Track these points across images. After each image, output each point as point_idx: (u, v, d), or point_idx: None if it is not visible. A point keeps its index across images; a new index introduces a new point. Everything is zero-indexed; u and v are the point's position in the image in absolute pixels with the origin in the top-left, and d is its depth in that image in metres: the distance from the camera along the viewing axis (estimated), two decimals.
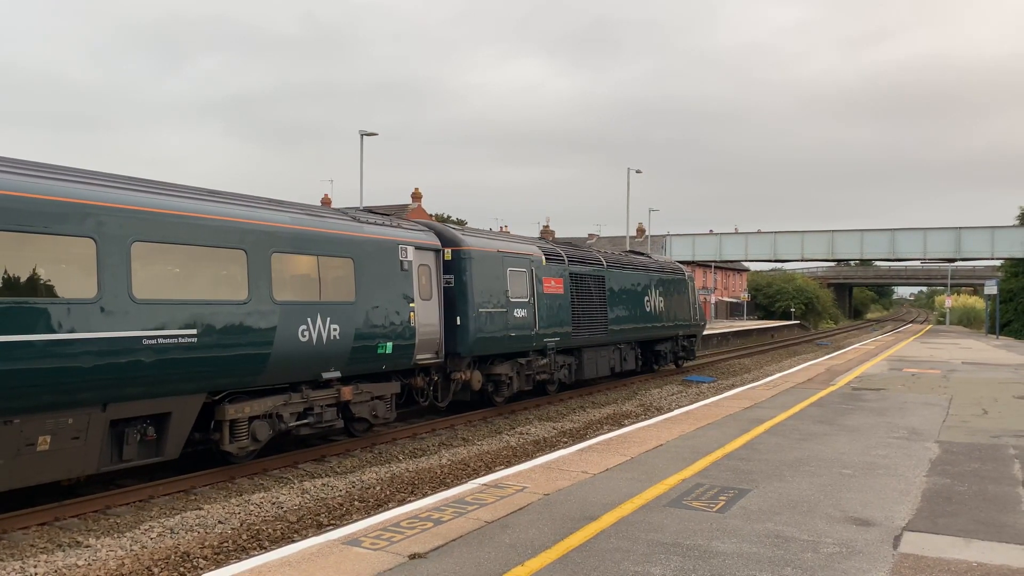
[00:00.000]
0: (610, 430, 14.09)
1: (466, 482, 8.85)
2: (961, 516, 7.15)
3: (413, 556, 5.97)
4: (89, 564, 7.51)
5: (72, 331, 8.26)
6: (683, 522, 6.88)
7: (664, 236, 56.90)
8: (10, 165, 8.31)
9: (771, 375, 22.63)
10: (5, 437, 7.84)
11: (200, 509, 9.37)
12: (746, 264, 76.89)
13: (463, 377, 15.14)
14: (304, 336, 11.15)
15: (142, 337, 8.97)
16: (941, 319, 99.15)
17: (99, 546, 8.01)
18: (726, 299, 76.70)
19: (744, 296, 73.80)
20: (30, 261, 8.04)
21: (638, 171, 52.74)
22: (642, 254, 27.27)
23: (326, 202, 50.77)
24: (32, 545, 7.99)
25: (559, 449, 11.36)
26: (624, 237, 54.56)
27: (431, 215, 55.35)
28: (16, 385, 7.77)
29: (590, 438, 12.51)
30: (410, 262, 13.58)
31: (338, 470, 11.56)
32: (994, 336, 50.48)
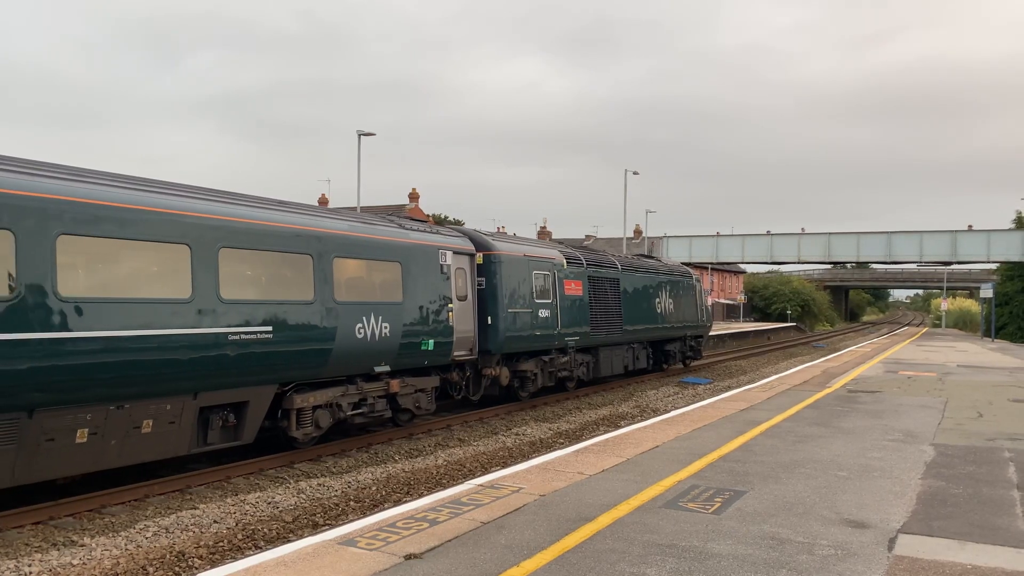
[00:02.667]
0: (606, 431, 14.09)
1: (462, 483, 8.85)
2: (956, 519, 7.17)
3: (409, 556, 5.97)
4: (84, 563, 7.50)
5: (173, 328, 9.35)
6: (679, 523, 6.88)
7: (661, 238, 56.93)
8: (114, 180, 9.32)
9: (767, 377, 22.66)
10: (118, 420, 8.98)
11: (196, 508, 9.35)
12: (743, 266, 77.01)
13: (493, 373, 16.26)
14: (360, 333, 12.24)
15: (228, 333, 10.05)
16: (937, 322, 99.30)
17: (94, 545, 7.99)
18: (723, 301, 76.76)
19: (741, 298, 73.88)
20: (142, 265, 9.22)
21: (635, 172, 52.80)
22: (652, 257, 28.28)
23: (323, 202, 50.72)
24: (27, 544, 7.97)
25: (555, 450, 11.36)
26: (621, 238, 54.58)
27: (428, 215, 55.34)
28: (131, 374, 8.92)
29: (586, 439, 12.52)
30: (449, 266, 14.69)
31: (334, 470, 11.56)
32: (990, 339, 50.62)
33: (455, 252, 15.05)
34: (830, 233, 52.40)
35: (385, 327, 12.78)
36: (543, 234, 65.89)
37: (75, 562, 7.51)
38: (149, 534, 8.41)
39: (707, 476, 8.70)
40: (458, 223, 65.37)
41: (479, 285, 15.91)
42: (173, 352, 9.32)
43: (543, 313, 17.67)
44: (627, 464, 9.33)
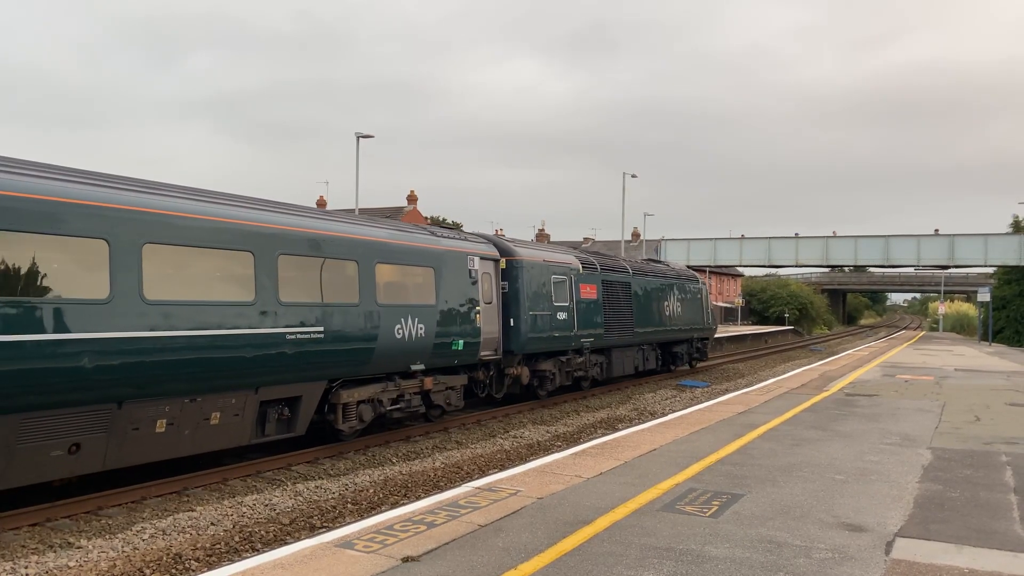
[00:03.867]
0: (604, 434, 14.08)
1: (459, 485, 8.85)
2: (953, 522, 7.17)
3: (406, 559, 5.96)
4: (80, 565, 7.48)
5: (239, 328, 10.20)
6: (676, 527, 6.88)
7: (659, 240, 56.97)
8: (186, 193, 10.14)
9: (765, 380, 22.67)
10: (191, 412, 9.82)
11: (192, 510, 9.34)
12: (740, 269, 77.03)
13: (515, 372, 17.15)
14: (399, 334, 13.13)
15: (286, 333, 10.89)
16: (934, 326, 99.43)
17: (90, 547, 7.98)
18: (720, 304, 76.74)
19: (738, 301, 73.88)
20: (213, 270, 10.06)
21: (634, 175, 52.91)
22: (660, 262, 29.05)
23: (321, 204, 50.69)
24: (23, 546, 7.96)
25: (553, 453, 11.36)
26: (619, 241, 54.60)
27: (426, 217, 55.35)
28: (204, 370, 9.73)
29: (584, 442, 12.52)
30: (476, 270, 15.58)
31: (331, 472, 11.55)
32: (987, 343, 50.66)
33: (482, 258, 15.96)
34: (828, 237, 52.46)
35: (420, 328, 13.65)
36: (541, 236, 65.92)
37: (72, 564, 7.50)
38: (146, 536, 8.39)
39: (705, 479, 8.71)
40: (456, 225, 65.33)
41: (503, 289, 16.72)
42: (239, 350, 10.20)
43: (561, 315, 18.45)
44: (625, 467, 9.33)
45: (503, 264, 16.83)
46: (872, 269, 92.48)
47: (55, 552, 7.82)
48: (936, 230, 50.61)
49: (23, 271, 8.05)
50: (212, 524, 8.90)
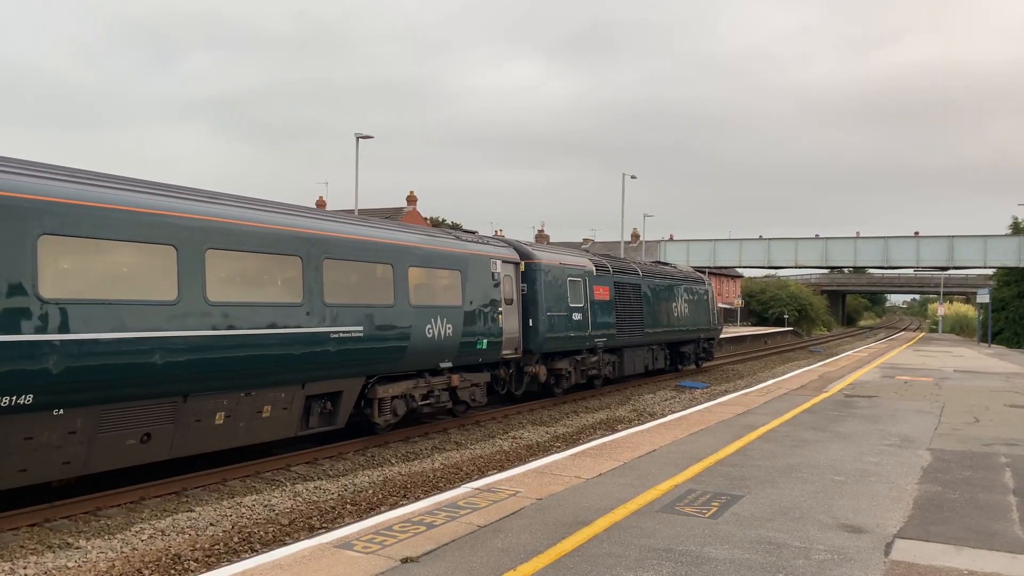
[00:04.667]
0: (603, 435, 14.08)
1: (459, 486, 8.84)
2: (952, 524, 7.17)
3: (405, 560, 5.96)
4: (79, 566, 7.47)
5: (289, 327, 10.92)
6: (675, 528, 6.88)
7: (658, 242, 57.00)
8: (240, 202, 10.86)
9: (764, 381, 22.67)
10: (246, 405, 10.57)
11: (191, 511, 9.34)
12: (740, 270, 77.03)
13: (533, 370, 17.90)
14: (429, 333, 13.87)
15: (330, 332, 11.61)
16: (934, 327, 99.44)
17: (89, 548, 7.97)
18: (720, 305, 76.74)
19: (738, 302, 73.86)
20: (267, 273, 10.85)
21: (633, 176, 52.89)
22: (668, 264, 29.71)
23: (321, 204, 50.68)
24: (22, 546, 7.95)
25: (552, 454, 11.35)
26: (619, 242, 54.61)
27: (426, 219, 55.35)
28: (259, 366, 10.45)
29: (583, 443, 12.52)
30: (498, 273, 16.34)
31: (330, 473, 11.54)
32: (986, 344, 50.67)
33: (503, 261, 16.70)
34: (827, 238, 52.47)
35: (448, 328, 14.41)
36: (541, 237, 65.92)
37: (71, 564, 7.49)
38: (145, 536, 8.39)
39: (704, 480, 8.70)
40: (456, 226, 65.33)
41: (522, 291, 17.48)
42: (289, 348, 10.92)
43: (576, 316, 19.15)
44: (624, 468, 9.32)
45: (522, 267, 17.56)
46: (871, 270, 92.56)
47: (54, 552, 7.81)
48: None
49: (105, 275, 8.78)
50: (211, 525, 8.89)
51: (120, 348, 8.76)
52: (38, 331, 8.06)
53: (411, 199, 52.49)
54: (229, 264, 10.24)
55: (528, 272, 17.66)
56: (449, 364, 14.62)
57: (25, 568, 7.34)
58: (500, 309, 16.20)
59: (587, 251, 24.17)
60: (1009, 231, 55.66)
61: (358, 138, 35.14)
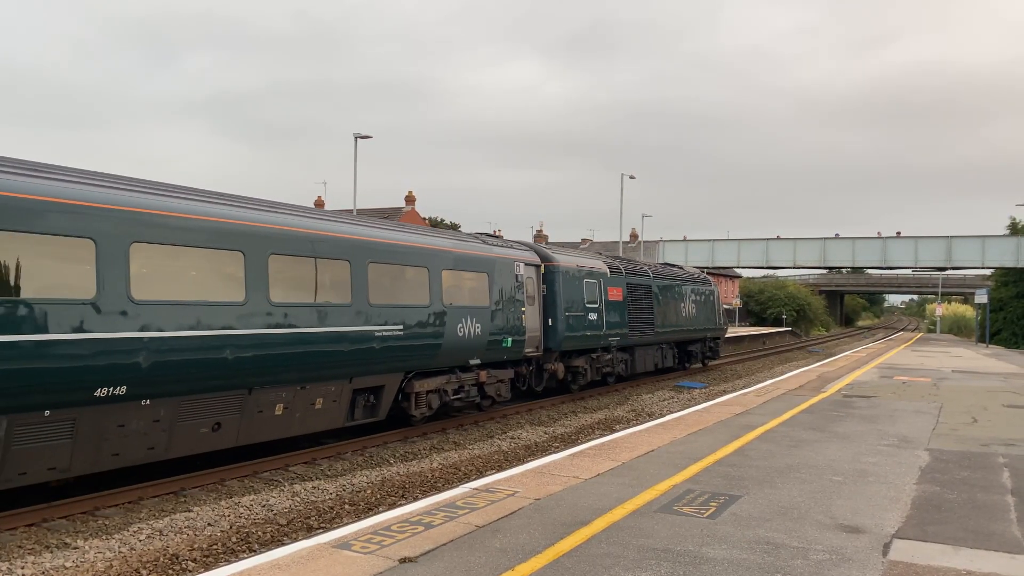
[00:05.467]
0: (601, 435, 14.08)
1: (457, 486, 8.84)
2: (950, 524, 7.18)
3: (403, 560, 5.96)
4: (77, 566, 7.46)
5: (339, 326, 11.81)
6: (674, 528, 6.88)
7: (657, 242, 57.00)
8: (294, 211, 11.74)
9: (762, 381, 22.68)
10: (302, 397, 11.46)
11: (189, 511, 9.32)
12: (738, 270, 77.08)
13: (552, 368, 18.80)
14: (460, 332, 14.76)
15: (374, 331, 12.52)
16: (932, 327, 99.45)
17: (87, 548, 7.96)
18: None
19: (736, 302, 73.85)
20: (321, 276, 11.60)
21: (632, 176, 52.92)
22: (676, 266, 30.68)
23: (319, 204, 50.64)
24: (19, 546, 7.94)
25: (550, 454, 11.36)
26: (617, 242, 54.61)
27: (424, 219, 55.33)
28: (314, 362, 11.36)
29: (581, 443, 12.52)
30: (521, 275, 17.21)
31: (328, 473, 11.53)
32: (984, 345, 50.70)
33: (525, 264, 17.58)
34: (826, 238, 52.46)
35: (477, 327, 15.28)
36: (539, 237, 65.86)
37: (68, 564, 7.48)
38: (143, 536, 8.38)
39: (702, 480, 8.70)
40: (455, 226, 65.35)
41: (542, 292, 18.28)
42: (340, 345, 11.81)
43: (592, 316, 20.04)
44: (622, 468, 9.32)
45: (542, 269, 18.42)
46: (870, 270, 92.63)
47: (52, 553, 7.80)
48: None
49: (185, 278, 9.65)
50: (209, 525, 8.88)
51: (198, 344, 9.67)
52: (131, 329, 8.92)
53: (409, 199, 52.45)
54: (289, 267, 11.11)
55: (548, 274, 18.50)
56: (478, 361, 15.55)
57: (23, 568, 7.33)
58: (523, 309, 17.10)
59: (600, 253, 24.90)
60: (1007, 231, 55.69)
61: (356, 138, 35.12)
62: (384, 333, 12.70)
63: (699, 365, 30.45)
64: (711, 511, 7.44)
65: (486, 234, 18.13)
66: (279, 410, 11.12)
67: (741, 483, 8.62)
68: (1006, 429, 12.94)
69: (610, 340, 21.16)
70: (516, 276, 16.98)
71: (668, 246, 55.49)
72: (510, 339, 16.48)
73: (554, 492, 8.12)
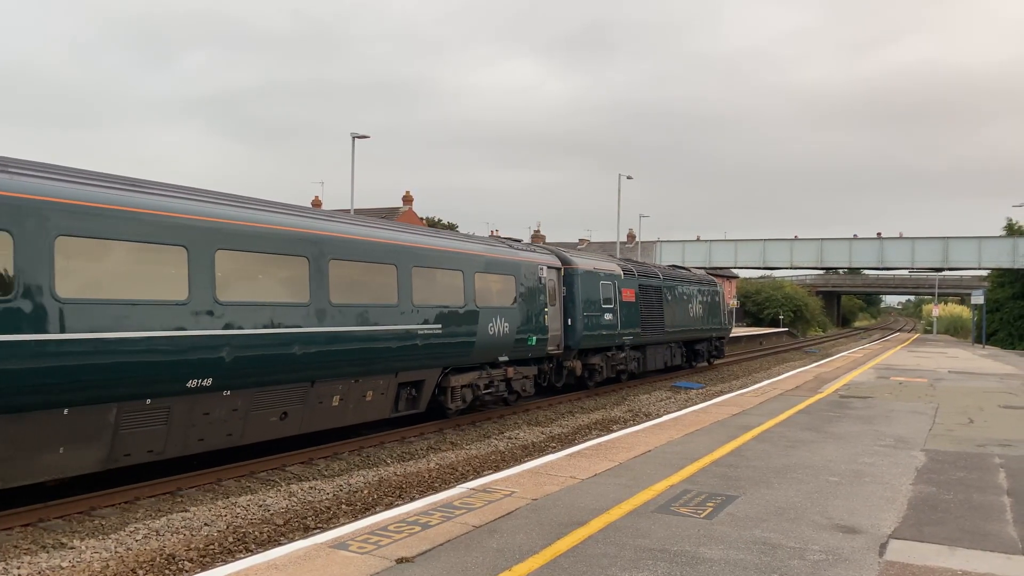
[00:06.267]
0: (599, 435, 14.09)
1: (454, 486, 8.84)
2: (947, 524, 7.19)
3: (400, 560, 5.95)
4: (73, 566, 7.45)
5: (388, 324, 12.87)
6: (671, 528, 6.89)
7: (654, 242, 57.03)
8: (347, 220, 12.78)
9: (759, 382, 22.70)
10: (355, 390, 12.52)
11: (186, 511, 9.31)
12: (735, 271, 77.18)
13: (571, 365, 19.83)
14: (491, 331, 15.82)
15: (417, 329, 13.58)
16: (928, 328, 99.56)
17: (83, 548, 7.95)
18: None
19: (733, 303, 73.92)
20: (372, 279, 12.77)
21: (629, 177, 52.98)
22: (683, 268, 31.84)
23: (316, 204, 50.60)
24: (15, 546, 7.92)
25: (548, 454, 11.36)
26: (615, 243, 54.65)
27: (422, 219, 55.30)
28: (367, 357, 12.50)
29: (579, 443, 12.52)
30: (544, 278, 18.24)
31: (325, 473, 11.53)
32: (980, 346, 50.81)
33: (547, 267, 18.58)
34: (822, 239, 52.53)
35: (505, 326, 16.32)
36: (537, 238, 65.88)
37: (64, 564, 7.47)
38: (139, 537, 8.37)
39: (699, 481, 8.71)
40: (452, 226, 65.34)
41: (562, 293, 19.29)
42: (388, 342, 12.89)
43: (607, 316, 21.11)
44: (619, 468, 9.33)
45: (562, 272, 19.44)
46: (866, 271, 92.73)
47: (48, 553, 7.78)
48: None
49: (261, 280, 10.69)
50: (206, 525, 8.87)
51: (272, 341, 10.70)
52: (217, 327, 9.92)
53: (407, 199, 52.42)
54: (345, 271, 12.14)
55: (567, 276, 19.52)
56: (506, 358, 16.64)
57: (19, 568, 7.32)
58: (546, 310, 18.12)
59: (612, 256, 26.12)
60: (1003, 232, 55.76)
61: (354, 138, 35.09)
62: (426, 331, 13.79)
63: (705, 364, 31.38)
64: (708, 511, 7.44)
65: (511, 239, 19.19)
66: (336, 401, 12.19)
67: (738, 483, 8.63)
68: (1002, 430, 12.97)
69: (624, 339, 22.15)
70: (540, 278, 17.98)
71: (665, 246, 55.52)
72: (534, 338, 17.51)
73: (551, 492, 8.12)
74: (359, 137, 35.13)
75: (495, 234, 54.38)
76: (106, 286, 8.78)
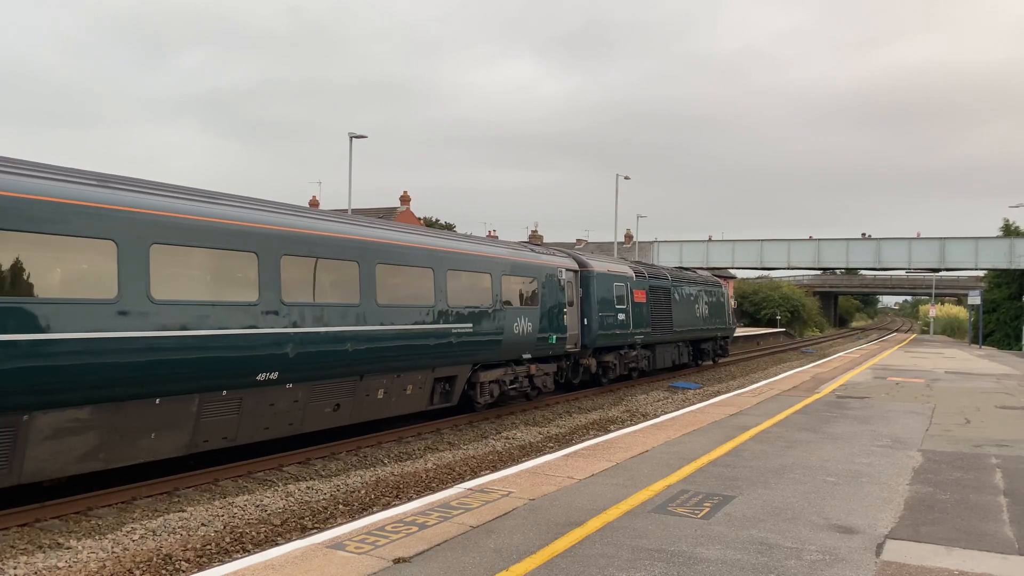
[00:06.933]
0: (596, 435, 14.08)
1: (451, 486, 8.83)
2: (943, 524, 7.20)
3: (397, 560, 5.95)
4: (70, 566, 7.44)
5: (426, 324, 13.86)
6: (668, 528, 6.89)
7: (652, 242, 57.05)
8: (388, 226, 13.78)
9: (756, 382, 22.73)
10: (397, 384, 13.49)
11: (183, 511, 9.30)
12: (732, 271, 77.23)
13: (587, 363, 20.87)
14: (516, 330, 16.83)
15: (451, 328, 14.56)
16: (925, 328, 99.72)
17: (80, 548, 7.94)
18: None
19: (731, 303, 73.93)
20: (412, 282, 13.72)
21: (626, 177, 52.90)
22: (690, 270, 32.73)
23: (314, 204, 50.54)
24: (12, 547, 7.91)
25: (545, 454, 11.36)
26: (612, 243, 54.65)
27: (419, 219, 55.26)
28: (408, 354, 13.51)
29: (576, 443, 12.52)
30: (563, 280, 19.26)
31: (322, 473, 11.52)
32: (977, 346, 50.89)
33: (566, 269, 19.63)
34: (820, 239, 52.58)
35: (529, 325, 17.34)
36: (534, 238, 65.83)
37: (61, 564, 7.46)
38: (136, 537, 8.35)
39: (696, 481, 8.72)
40: (449, 226, 65.31)
41: (579, 294, 20.22)
42: (427, 340, 13.91)
43: (620, 317, 22.11)
44: (616, 469, 9.33)
45: (579, 274, 20.42)
46: (863, 272, 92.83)
47: (44, 553, 7.77)
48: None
49: (319, 283, 11.61)
50: (203, 525, 8.86)
51: (329, 338, 11.66)
52: (282, 326, 10.87)
53: (404, 199, 52.37)
54: (390, 274, 13.17)
55: (584, 279, 20.50)
56: (529, 356, 17.61)
57: (15, 568, 7.30)
58: (565, 310, 19.11)
59: (624, 259, 26.40)
60: (1000, 233, 55.85)
61: (351, 138, 35.06)
62: (459, 330, 14.79)
63: (710, 362, 32.39)
64: (705, 512, 7.45)
65: (533, 243, 19.94)
66: (380, 394, 13.21)
67: (735, 484, 8.63)
68: (999, 430, 12.99)
69: (635, 338, 23.19)
70: (559, 281, 19.02)
71: (663, 247, 55.55)
72: (555, 336, 18.51)
73: (548, 492, 8.12)
74: (356, 137, 35.10)
75: (492, 234, 54.30)
76: (191, 289, 9.72)
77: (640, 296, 23.67)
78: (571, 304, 19.57)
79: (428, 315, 13.91)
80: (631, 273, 23.53)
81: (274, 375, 10.78)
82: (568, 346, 19.37)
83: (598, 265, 21.43)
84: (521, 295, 17.19)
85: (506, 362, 16.93)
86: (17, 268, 7.93)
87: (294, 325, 11.05)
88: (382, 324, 12.74)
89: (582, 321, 20.21)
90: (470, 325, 15.10)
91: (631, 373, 24.03)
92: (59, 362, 8.16)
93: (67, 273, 8.44)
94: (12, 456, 8.12)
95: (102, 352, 8.57)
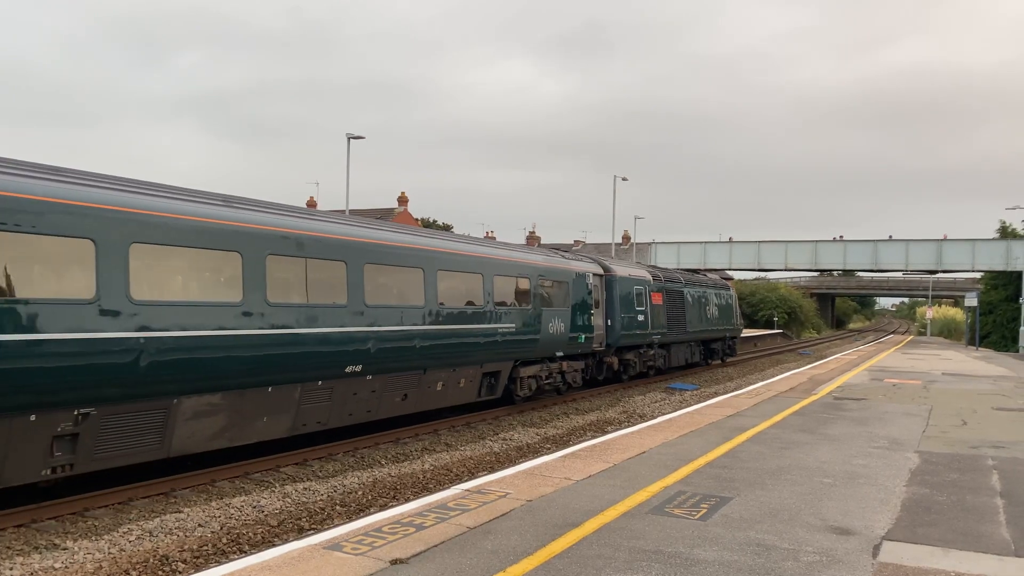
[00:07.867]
0: (593, 436, 14.09)
1: (449, 488, 8.83)
2: (940, 526, 7.21)
3: (395, 561, 5.95)
4: (66, 567, 7.43)
5: (475, 324, 15.46)
6: (665, 529, 6.89)
7: (649, 244, 57.07)
8: (432, 235, 15.40)
9: (754, 383, 22.73)
10: (453, 377, 15.11)
11: (180, 512, 9.29)
12: (730, 272, 77.26)
13: (610, 360, 22.60)
14: (551, 329, 18.43)
15: (497, 327, 16.26)
16: (922, 330, 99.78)
17: (76, 548, 7.93)
18: None
19: None
20: (466, 286, 15.42)
21: (624, 178, 52.93)
22: (699, 272, 34.32)
23: (312, 204, 50.51)
24: (8, 547, 7.89)
25: (542, 455, 11.35)
26: (610, 244, 54.66)
27: (417, 219, 55.25)
28: (463, 351, 15.12)
29: (573, 444, 12.52)
30: (590, 283, 20.91)
31: (320, 474, 11.51)
32: (974, 348, 50.93)
33: (593, 274, 21.26)
34: (817, 241, 52.64)
35: (561, 325, 18.91)
36: (532, 239, 65.85)
37: (57, 565, 7.45)
38: (133, 537, 8.34)
39: (693, 482, 8.72)
40: (447, 227, 65.30)
41: (604, 297, 21.80)
42: (478, 338, 15.54)
43: (640, 317, 23.75)
44: (614, 470, 9.33)
45: (604, 278, 22.01)
46: (861, 273, 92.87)
47: (40, 553, 7.76)
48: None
49: (393, 286, 13.24)
50: (199, 526, 8.85)
51: (401, 336, 13.27)
52: (365, 324, 12.48)
53: (402, 200, 52.37)
54: (448, 279, 14.71)
55: (608, 282, 22.15)
56: (561, 353, 19.11)
57: (11, 569, 7.29)
58: (592, 312, 20.69)
59: (640, 263, 27.75)
60: (997, 235, 55.94)
61: (349, 138, 35.04)
62: (503, 330, 16.37)
63: (719, 361, 33.97)
64: (702, 513, 7.45)
65: (563, 249, 21.79)
66: (439, 386, 14.74)
67: (732, 485, 8.64)
68: (995, 431, 13.01)
69: (653, 338, 24.88)
70: (587, 284, 20.59)
71: (660, 248, 55.58)
72: (583, 336, 20.10)
73: (546, 494, 8.12)
74: (354, 138, 35.08)
75: (490, 235, 54.28)
76: (298, 294, 11.38)
77: (657, 298, 25.14)
78: (597, 306, 21.11)
79: (478, 316, 15.51)
80: (649, 277, 25.07)
81: (358, 368, 12.37)
82: (595, 345, 20.95)
83: (620, 269, 23.11)
84: (554, 298, 18.71)
85: (541, 359, 18.41)
86: (169, 272, 9.70)
87: (374, 324, 12.65)
88: (443, 324, 14.33)
89: (606, 322, 21.71)
90: (512, 325, 16.67)
91: (648, 371, 25.43)
92: (201, 355, 9.79)
93: (204, 278, 10.07)
94: (164, 433, 9.59)
95: (233, 347, 10.22)
